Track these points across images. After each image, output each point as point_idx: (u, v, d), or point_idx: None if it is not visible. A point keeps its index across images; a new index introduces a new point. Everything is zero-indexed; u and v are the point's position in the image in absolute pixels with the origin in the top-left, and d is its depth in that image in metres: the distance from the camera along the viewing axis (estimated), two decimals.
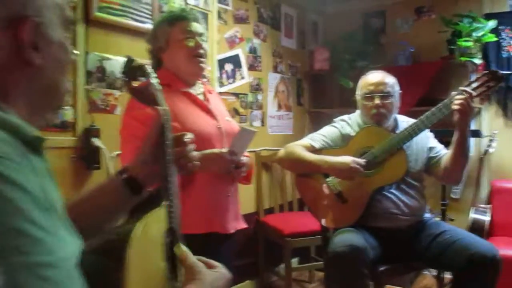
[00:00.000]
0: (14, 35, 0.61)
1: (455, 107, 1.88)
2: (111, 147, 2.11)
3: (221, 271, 0.88)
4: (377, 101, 2.11)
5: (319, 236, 2.45)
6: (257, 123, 3.42)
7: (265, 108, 3.52)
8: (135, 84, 1.13)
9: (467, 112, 1.87)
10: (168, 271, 0.83)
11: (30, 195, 0.50)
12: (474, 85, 1.96)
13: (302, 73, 4.02)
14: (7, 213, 0.46)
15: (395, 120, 2.21)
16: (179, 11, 1.71)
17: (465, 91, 1.90)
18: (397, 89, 2.18)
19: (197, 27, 1.67)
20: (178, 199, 0.97)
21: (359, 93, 2.23)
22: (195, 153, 1.08)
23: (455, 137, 1.98)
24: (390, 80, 2.18)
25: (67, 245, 0.54)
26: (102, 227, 0.95)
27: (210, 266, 0.87)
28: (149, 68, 1.12)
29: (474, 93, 1.89)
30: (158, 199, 0.95)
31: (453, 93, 1.97)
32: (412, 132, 2.03)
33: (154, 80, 1.12)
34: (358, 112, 2.27)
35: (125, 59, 1.10)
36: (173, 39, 1.64)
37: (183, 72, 1.66)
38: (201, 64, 1.66)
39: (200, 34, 1.67)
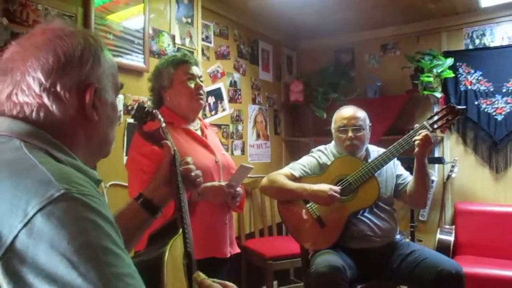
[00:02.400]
0: (80, 97, 0.79)
1: (416, 142, 2.12)
2: (106, 178, 2.24)
3: None
4: (350, 133, 2.31)
5: (299, 259, 2.59)
6: (237, 152, 3.60)
7: (245, 138, 3.71)
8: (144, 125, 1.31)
9: (426, 145, 2.11)
10: None
11: (111, 223, 0.67)
12: (435, 118, 2.22)
13: (279, 104, 4.26)
14: (100, 237, 0.63)
15: (367, 150, 2.42)
16: (182, 56, 1.88)
17: (425, 127, 2.16)
18: (367, 122, 2.40)
19: (197, 70, 1.85)
20: (190, 226, 1.15)
21: (333, 126, 2.43)
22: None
23: (415, 166, 2.20)
24: (361, 114, 2.39)
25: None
26: (125, 246, 1.10)
27: (225, 286, 1.03)
28: (158, 114, 1.29)
29: (430, 131, 2.14)
30: (175, 227, 1.12)
31: (416, 126, 2.22)
32: (382, 161, 2.23)
33: (164, 124, 1.30)
34: (333, 143, 2.47)
35: (135, 104, 1.28)
36: (177, 80, 1.80)
37: (184, 109, 1.82)
38: (201, 101, 1.83)
39: (200, 76, 1.86)
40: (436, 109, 3.74)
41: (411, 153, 2.20)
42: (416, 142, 2.12)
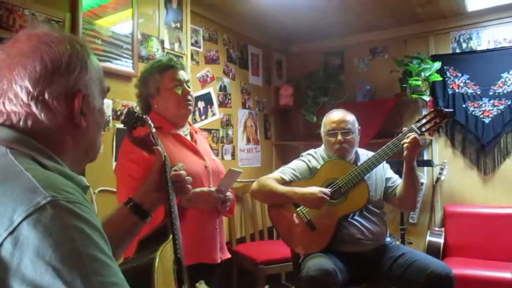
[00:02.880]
0: (68, 104, 0.78)
1: (405, 145, 2.13)
2: (95, 184, 2.22)
3: None
4: (339, 137, 2.32)
5: (290, 263, 2.59)
6: (228, 157, 3.60)
7: (235, 142, 3.71)
8: (133, 131, 1.30)
9: (415, 148, 2.12)
10: None
11: (99, 231, 0.66)
12: (423, 121, 2.23)
13: (269, 108, 4.27)
14: (87, 245, 0.62)
15: (356, 153, 2.42)
16: (167, 61, 1.83)
17: (414, 130, 2.17)
18: (356, 125, 2.41)
19: (184, 75, 1.82)
20: (180, 232, 1.14)
21: (323, 130, 2.43)
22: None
23: (404, 169, 2.21)
24: (351, 118, 2.39)
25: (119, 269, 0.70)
26: (114, 252, 1.09)
27: None
28: (148, 119, 1.29)
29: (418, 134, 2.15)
30: (165, 233, 1.11)
31: (405, 129, 2.23)
32: (372, 164, 2.24)
33: (154, 130, 1.29)
34: (323, 146, 2.48)
35: (123, 108, 1.27)
36: (163, 87, 1.78)
37: (172, 115, 1.79)
38: (189, 107, 1.81)
39: (187, 81, 1.83)
40: (424, 112, 3.78)
41: (400, 156, 2.21)
42: (405, 145, 2.13)
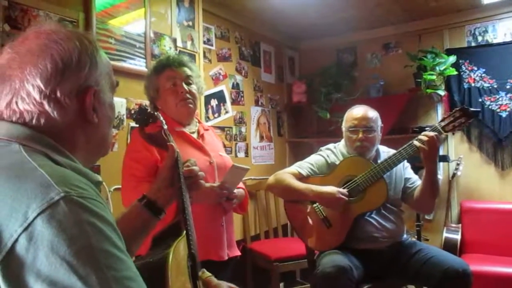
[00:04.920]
0: (80, 101, 0.79)
1: (419, 145, 2.07)
2: (110, 182, 2.25)
3: None
4: (360, 135, 2.26)
5: (305, 260, 2.57)
6: (241, 154, 3.60)
7: (248, 140, 3.71)
8: (144, 127, 1.30)
9: (431, 149, 2.06)
10: None
11: (112, 226, 0.67)
12: (447, 121, 2.14)
13: (282, 105, 4.25)
14: (101, 240, 0.62)
15: (377, 151, 2.37)
16: (165, 60, 1.82)
17: (437, 129, 2.11)
18: (379, 123, 2.34)
19: (182, 71, 1.79)
20: (193, 227, 1.14)
21: (344, 125, 2.38)
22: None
23: (424, 173, 2.15)
24: (373, 114, 2.32)
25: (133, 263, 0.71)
26: (129, 249, 1.10)
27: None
28: (160, 116, 1.29)
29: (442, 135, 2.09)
30: (178, 229, 1.12)
31: (428, 128, 2.17)
32: (392, 163, 2.18)
33: (166, 126, 1.30)
34: (342, 141, 2.42)
35: (136, 106, 1.28)
36: (162, 88, 1.78)
37: (174, 114, 1.79)
38: (189, 106, 1.78)
39: (187, 77, 1.79)
40: (439, 107, 3.74)
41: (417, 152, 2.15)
42: (418, 145, 2.08)
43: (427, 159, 2.10)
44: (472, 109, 2.18)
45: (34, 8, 2.00)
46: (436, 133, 2.08)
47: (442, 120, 2.17)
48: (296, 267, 3.32)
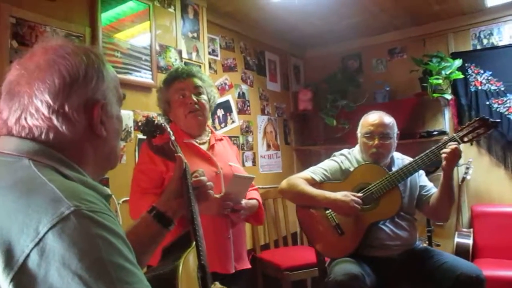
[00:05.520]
0: (88, 115, 0.79)
1: (444, 155, 2.04)
2: (119, 195, 2.26)
3: None
4: (376, 141, 2.23)
5: (316, 268, 2.55)
6: (249, 163, 3.60)
7: (255, 149, 3.71)
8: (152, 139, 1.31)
9: (455, 159, 2.04)
10: None
11: (122, 239, 0.67)
12: (465, 131, 2.10)
13: (288, 113, 4.25)
14: (111, 254, 0.63)
15: (391, 158, 2.33)
16: (174, 71, 1.84)
17: (455, 140, 2.08)
18: (395, 130, 2.30)
19: (191, 82, 1.79)
20: (203, 238, 1.14)
21: (360, 131, 2.34)
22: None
23: (441, 179, 2.13)
24: (389, 120, 2.28)
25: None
26: (139, 260, 1.10)
27: None
28: (167, 127, 1.30)
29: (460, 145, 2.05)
30: (188, 240, 1.11)
31: (445, 138, 2.14)
32: (407, 172, 2.15)
33: (173, 137, 1.30)
34: (357, 147, 2.38)
35: (143, 119, 1.28)
36: (172, 100, 1.80)
37: (184, 126, 1.80)
38: (198, 117, 1.78)
39: (196, 88, 1.80)
40: (446, 111, 3.72)
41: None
42: (444, 156, 2.04)
43: (449, 167, 2.07)
44: (492, 119, 2.12)
45: (41, 25, 2.03)
46: (456, 144, 2.05)
47: (461, 130, 2.13)
48: (307, 276, 3.28)
